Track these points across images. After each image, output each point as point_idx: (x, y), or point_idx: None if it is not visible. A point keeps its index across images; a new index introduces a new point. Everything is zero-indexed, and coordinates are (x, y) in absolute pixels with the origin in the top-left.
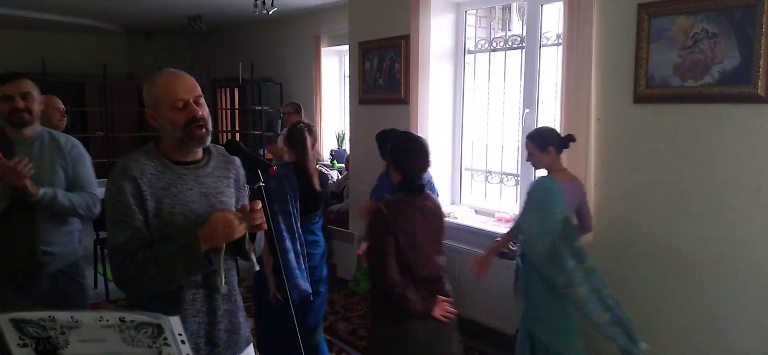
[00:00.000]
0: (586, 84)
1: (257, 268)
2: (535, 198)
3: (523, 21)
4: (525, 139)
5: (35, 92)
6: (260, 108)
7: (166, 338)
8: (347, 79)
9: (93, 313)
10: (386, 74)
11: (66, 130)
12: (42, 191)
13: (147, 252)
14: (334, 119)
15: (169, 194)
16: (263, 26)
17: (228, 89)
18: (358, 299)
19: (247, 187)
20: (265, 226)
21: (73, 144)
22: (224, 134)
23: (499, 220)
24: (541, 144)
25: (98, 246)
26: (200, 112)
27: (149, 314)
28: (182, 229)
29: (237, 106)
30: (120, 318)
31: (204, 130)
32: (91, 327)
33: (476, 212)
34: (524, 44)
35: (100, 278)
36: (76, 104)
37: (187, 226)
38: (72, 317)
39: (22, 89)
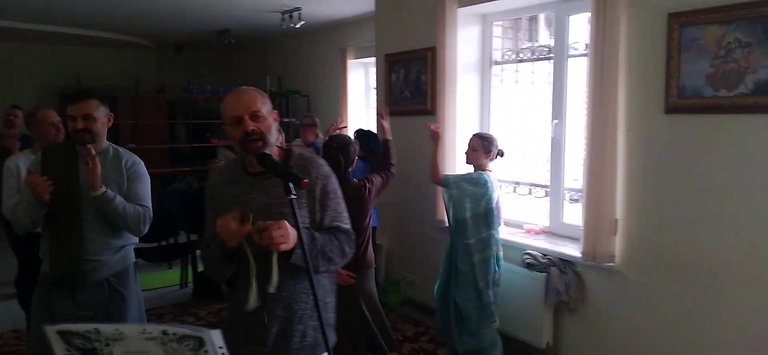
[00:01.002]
0: (613, 94)
1: (272, 290)
2: (478, 181)
3: (550, 31)
4: (473, 137)
5: (98, 112)
6: (288, 120)
7: (207, 351)
8: (373, 91)
9: (137, 326)
10: (413, 86)
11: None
12: (104, 188)
13: (208, 248)
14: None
15: (237, 203)
16: (291, 39)
17: None
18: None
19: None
20: (283, 247)
21: (134, 162)
22: None
23: (529, 231)
24: (488, 147)
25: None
26: (251, 127)
27: (191, 327)
28: None
29: None
30: (163, 331)
31: (260, 143)
32: (134, 339)
33: (505, 223)
34: (552, 55)
35: None
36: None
37: None
38: (116, 330)
39: (84, 111)
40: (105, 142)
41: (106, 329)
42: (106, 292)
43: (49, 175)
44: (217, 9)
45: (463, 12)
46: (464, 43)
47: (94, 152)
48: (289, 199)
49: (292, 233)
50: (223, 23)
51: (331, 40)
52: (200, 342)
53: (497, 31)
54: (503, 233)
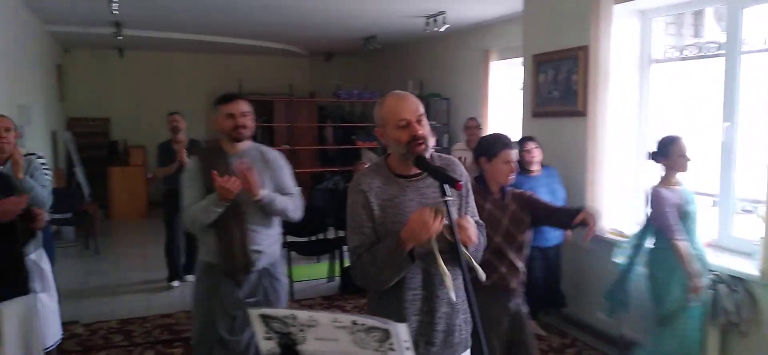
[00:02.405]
0: None
1: (484, 276)
2: None
3: (721, 26)
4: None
5: (249, 110)
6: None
7: (391, 344)
8: (517, 93)
9: (329, 314)
10: (562, 86)
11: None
12: (262, 192)
13: (368, 254)
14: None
15: (393, 205)
16: (433, 43)
17: None
18: None
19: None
20: (473, 242)
21: (276, 156)
22: None
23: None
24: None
25: (285, 248)
26: (420, 131)
27: (379, 320)
28: None
29: None
30: (352, 321)
31: (423, 146)
32: (326, 327)
33: None
34: (722, 51)
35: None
36: (265, 120)
37: None
38: (311, 317)
39: (242, 109)
40: (250, 141)
41: (302, 315)
42: (266, 279)
43: (208, 176)
44: (365, 17)
45: (619, 8)
46: (620, 41)
47: (246, 165)
48: (445, 200)
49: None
50: (369, 30)
51: (474, 42)
52: (386, 334)
53: (657, 27)
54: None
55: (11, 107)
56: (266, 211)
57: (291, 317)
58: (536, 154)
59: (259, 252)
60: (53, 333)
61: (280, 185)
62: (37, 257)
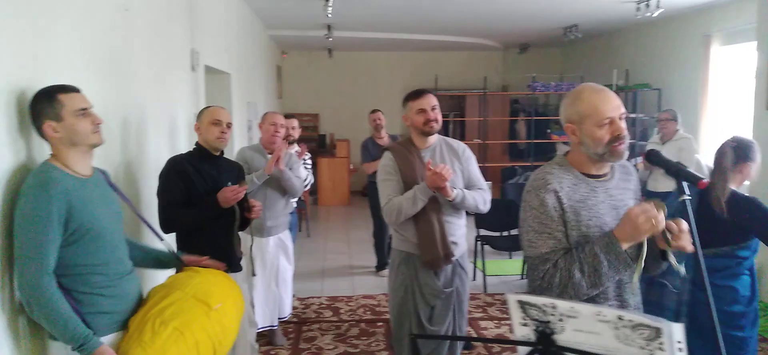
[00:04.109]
0: None
1: (683, 271)
2: None
3: None
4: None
5: (437, 104)
6: (634, 116)
7: (661, 343)
8: (746, 83)
9: (592, 307)
10: None
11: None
12: (455, 191)
13: (568, 258)
14: (726, 126)
15: (586, 207)
16: (642, 30)
17: None
18: None
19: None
20: (690, 249)
21: (464, 148)
22: None
23: None
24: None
25: (478, 242)
26: (624, 131)
27: (650, 317)
28: None
29: None
30: (618, 316)
31: (624, 146)
32: (587, 319)
33: None
34: None
35: (478, 273)
36: (457, 114)
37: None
38: (572, 307)
39: (433, 103)
40: (436, 136)
41: (563, 305)
42: (457, 270)
43: (403, 171)
44: (568, 5)
45: None
46: None
47: (443, 173)
48: (682, 200)
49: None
50: (570, 19)
51: (693, 27)
52: (656, 333)
53: None
54: None
55: (243, 104)
56: (461, 207)
57: (551, 305)
58: None
59: (455, 243)
60: (289, 304)
61: (469, 176)
62: (285, 236)
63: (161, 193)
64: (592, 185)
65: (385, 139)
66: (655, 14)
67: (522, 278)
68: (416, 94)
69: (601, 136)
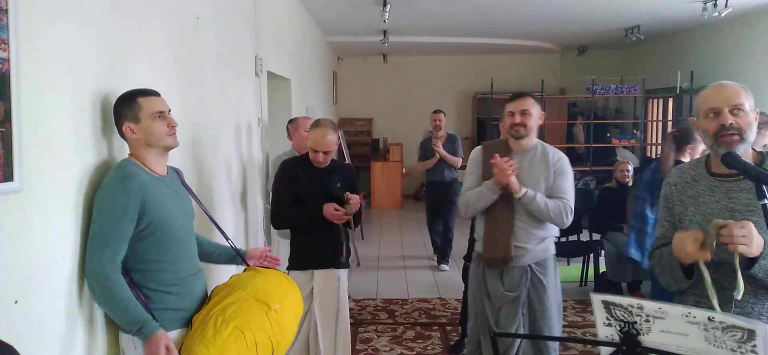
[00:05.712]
0: None
1: (738, 296)
2: None
3: None
4: None
5: (533, 109)
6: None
7: (755, 345)
8: None
9: (680, 307)
10: None
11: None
12: (524, 190)
13: (665, 251)
14: None
15: (696, 204)
16: (708, 31)
17: (661, 100)
18: None
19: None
20: (742, 249)
21: (560, 158)
22: (651, 147)
23: None
24: None
25: None
26: (730, 121)
27: (743, 319)
28: None
29: (670, 118)
30: (708, 317)
31: (736, 137)
32: (675, 320)
33: None
34: None
35: None
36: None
37: None
38: (659, 308)
39: (522, 107)
40: (534, 140)
41: (650, 305)
42: (528, 277)
43: (487, 165)
44: (630, 6)
45: None
46: None
47: (504, 167)
48: (762, 204)
49: (758, 239)
50: (632, 20)
51: (762, 27)
52: (749, 335)
53: None
54: None
55: (301, 109)
56: (529, 209)
57: (637, 306)
58: None
59: (523, 249)
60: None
61: (555, 187)
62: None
63: (274, 193)
64: (711, 184)
65: (442, 138)
66: (724, 14)
67: (580, 285)
68: (512, 97)
69: (707, 127)
